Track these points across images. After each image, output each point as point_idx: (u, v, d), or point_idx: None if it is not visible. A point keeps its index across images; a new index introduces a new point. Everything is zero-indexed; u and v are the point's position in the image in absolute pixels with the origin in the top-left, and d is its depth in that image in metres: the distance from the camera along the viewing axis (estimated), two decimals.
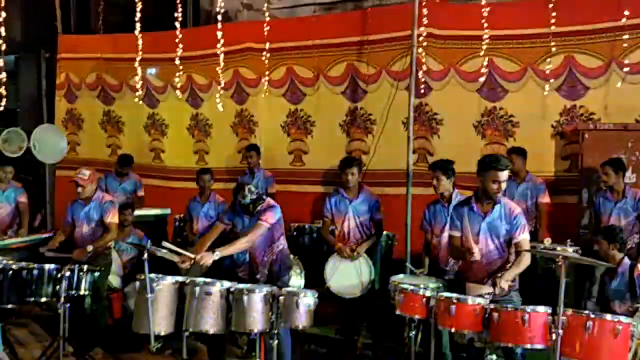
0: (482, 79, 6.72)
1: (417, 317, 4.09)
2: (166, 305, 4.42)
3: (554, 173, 6.58)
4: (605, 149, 5.92)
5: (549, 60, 6.41)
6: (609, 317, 3.56)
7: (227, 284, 4.41)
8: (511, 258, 4.29)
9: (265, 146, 8.00)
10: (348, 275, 5.49)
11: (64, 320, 4.95)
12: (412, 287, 4.15)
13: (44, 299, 5.10)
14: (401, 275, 5.10)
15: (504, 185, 4.22)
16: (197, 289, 4.30)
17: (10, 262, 5.12)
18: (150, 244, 6.44)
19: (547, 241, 5.71)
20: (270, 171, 7.78)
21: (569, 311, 3.63)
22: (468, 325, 3.82)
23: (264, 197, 5.02)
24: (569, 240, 4.54)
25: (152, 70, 9.11)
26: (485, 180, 4.24)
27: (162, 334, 4.43)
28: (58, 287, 5.02)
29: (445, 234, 5.01)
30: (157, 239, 7.13)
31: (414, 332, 4.45)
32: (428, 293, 4.07)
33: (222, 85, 8.18)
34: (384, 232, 6.18)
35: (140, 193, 8.09)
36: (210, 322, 4.27)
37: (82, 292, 5.08)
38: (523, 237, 4.28)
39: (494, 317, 3.72)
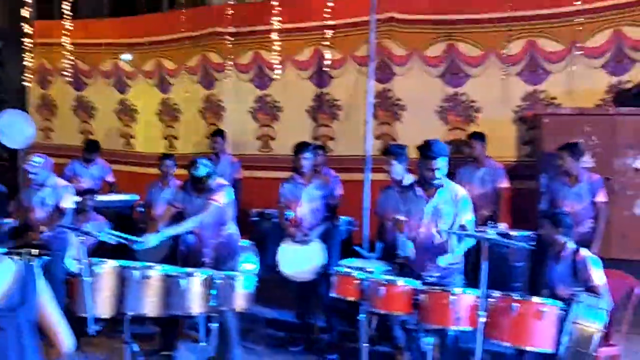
0: (444, 64, 6.67)
1: (350, 298, 4.07)
2: (108, 288, 4.40)
3: (516, 158, 6.58)
4: (564, 133, 5.89)
5: (510, 44, 6.38)
6: (534, 299, 3.55)
7: (166, 268, 4.39)
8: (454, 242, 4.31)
9: (233, 132, 7.96)
10: (299, 259, 5.48)
11: None
12: (345, 270, 4.14)
13: None
14: (352, 260, 5.09)
15: (438, 173, 4.23)
16: (136, 272, 4.28)
17: None
18: (106, 230, 6.60)
19: (503, 225, 5.74)
20: (238, 157, 7.76)
21: (497, 293, 3.63)
22: (398, 307, 3.81)
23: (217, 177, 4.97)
24: (489, 222, 4.56)
25: (126, 56, 9.06)
26: (421, 167, 4.31)
27: (103, 317, 4.41)
28: None
29: None
30: (123, 224, 7.24)
31: (363, 316, 4.44)
32: (359, 275, 4.05)
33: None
34: (344, 218, 6.19)
35: (109, 179, 8.05)
36: (149, 305, 4.25)
37: None
38: (467, 220, 4.32)
39: (422, 299, 3.72)
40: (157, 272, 4.31)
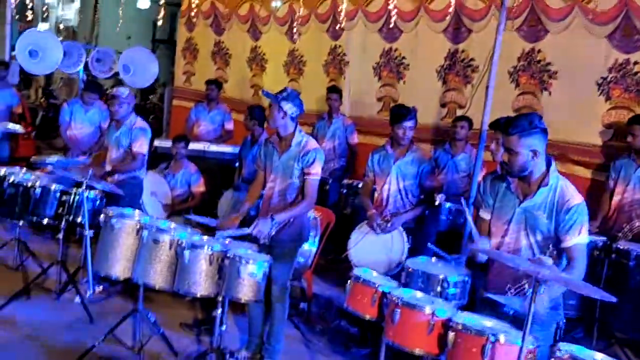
0: (447, 19, 6.15)
1: (366, 316, 3.00)
2: (125, 247, 3.83)
3: None
4: None
5: None
6: None
7: (183, 233, 3.69)
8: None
9: (354, 90, 7.03)
10: (374, 249, 4.45)
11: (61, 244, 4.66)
12: (364, 277, 3.06)
13: (45, 221, 4.84)
14: (423, 259, 3.97)
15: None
16: (146, 234, 3.64)
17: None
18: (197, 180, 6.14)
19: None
20: (355, 119, 6.85)
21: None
22: (414, 342, 2.68)
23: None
24: None
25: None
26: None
27: (118, 277, 3.87)
28: (61, 209, 4.76)
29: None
30: (224, 178, 6.78)
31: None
32: (381, 287, 2.95)
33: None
34: (447, 205, 5.03)
35: (229, 126, 7.66)
36: (156, 275, 3.62)
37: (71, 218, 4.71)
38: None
39: (450, 339, 2.55)
40: (169, 236, 3.63)
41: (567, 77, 5.47)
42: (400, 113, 4.60)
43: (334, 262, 5.44)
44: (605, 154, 5.21)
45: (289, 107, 3.88)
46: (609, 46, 5.17)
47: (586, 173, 5.24)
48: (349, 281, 3.21)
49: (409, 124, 4.55)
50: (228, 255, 3.40)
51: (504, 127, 2.89)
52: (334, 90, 6.78)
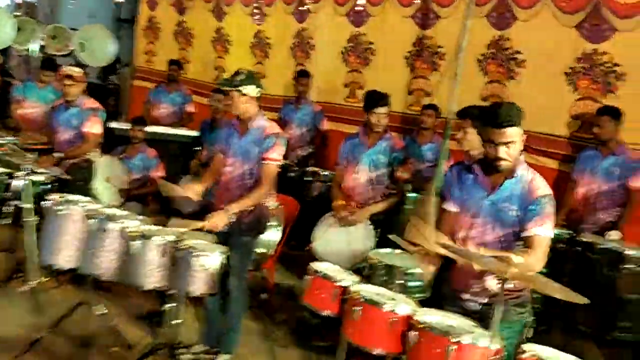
0: (415, 3, 6.09)
1: (325, 312, 2.86)
2: (71, 235, 3.60)
3: None
4: None
5: None
6: None
7: (133, 221, 3.48)
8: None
9: (321, 75, 6.85)
10: (339, 241, 4.33)
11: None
12: (324, 272, 2.92)
13: None
14: (385, 251, 3.85)
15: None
16: (94, 222, 3.43)
17: None
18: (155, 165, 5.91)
19: (615, 235, 4.19)
20: (323, 106, 6.67)
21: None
22: (375, 342, 2.55)
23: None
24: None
25: None
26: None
27: (62, 267, 3.63)
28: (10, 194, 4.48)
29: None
30: (184, 163, 6.54)
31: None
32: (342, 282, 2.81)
33: None
34: (412, 195, 4.91)
35: (190, 108, 7.43)
36: (103, 266, 3.40)
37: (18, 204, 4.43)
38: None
39: (412, 338, 2.43)
40: (118, 225, 3.42)
41: (535, 67, 5.40)
42: (374, 98, 4.46)
43: (295, 250, 5.29)
44: (572, 145, 5.16)
45: (250, 90, 3.70)
46: (578, 36, 5.11)
47: (553, 164, 5.19)
48: (306, 276, 3.06)
49: (383, 110, 4.41)
50: (181, 246, 3.21)
51: (490, 119, 2.75)
52: (304, 75, 6.57)
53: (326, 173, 5.47)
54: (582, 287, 3.77)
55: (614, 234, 4.17)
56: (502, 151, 2.74)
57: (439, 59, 6.03)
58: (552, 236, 2.84)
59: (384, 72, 6.40)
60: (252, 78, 3.74)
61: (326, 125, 6.58)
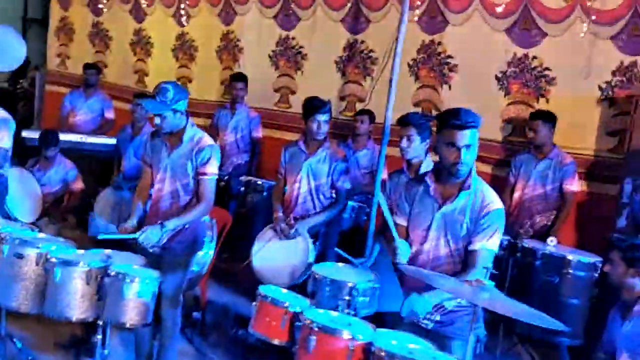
0: (346, 7, 5.96)
1: (275, 341, 2.66)
2: None
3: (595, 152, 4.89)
4: None
5: None
6: None
7: (56, 247, 3.13)
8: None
9: (250, 80, 6.60)
10: (277, 256, 4.09)
11: None
12: (271, 296, 2.72)
13: None
14: (330, 265, 3.67)
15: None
16: (6, 247, 3.05)
17: None
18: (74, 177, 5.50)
19: (551, 240, 4.20)
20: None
21: None
22: None
23: None
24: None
25: None
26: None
27: None
28: None
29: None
30: (103, 174, 6.13)
31: None
32: (292, 307, 2.61)
33: None
34: (350, 202, 4.77)
35: (109, 115, 6.99)
36: (20, 296, 3.04)
37: None
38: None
39: None
40: (35, 250, 3.07)
41: (467, 71, 5.40)
42: (314, 105, 4.28)
43: (227, 263, 5.02)
44: (505, 150, 5.19)
45: (182, 104, 3.46)
46: (508, 40, 5.14)
47: (486, 169, 5.19)
48: (254, 303, 2.82)
49: (323, 117, 4.23)
50: (109, 272, 2.91)
51: (452, 121, 2.62)
52: (240, 79, 6.15)
53: (261, 182, 5.22)
54: (522, 293, 3.81)
55: (554, 240, 4.18)
56: (464, 154, 2.63)
57: (371, 63, 5.93)
58: (497, 252, 2.79)
59: (315, 77, 6.23)
60: (182, 91, 3.49)
61: (261, 132, 6.30)
